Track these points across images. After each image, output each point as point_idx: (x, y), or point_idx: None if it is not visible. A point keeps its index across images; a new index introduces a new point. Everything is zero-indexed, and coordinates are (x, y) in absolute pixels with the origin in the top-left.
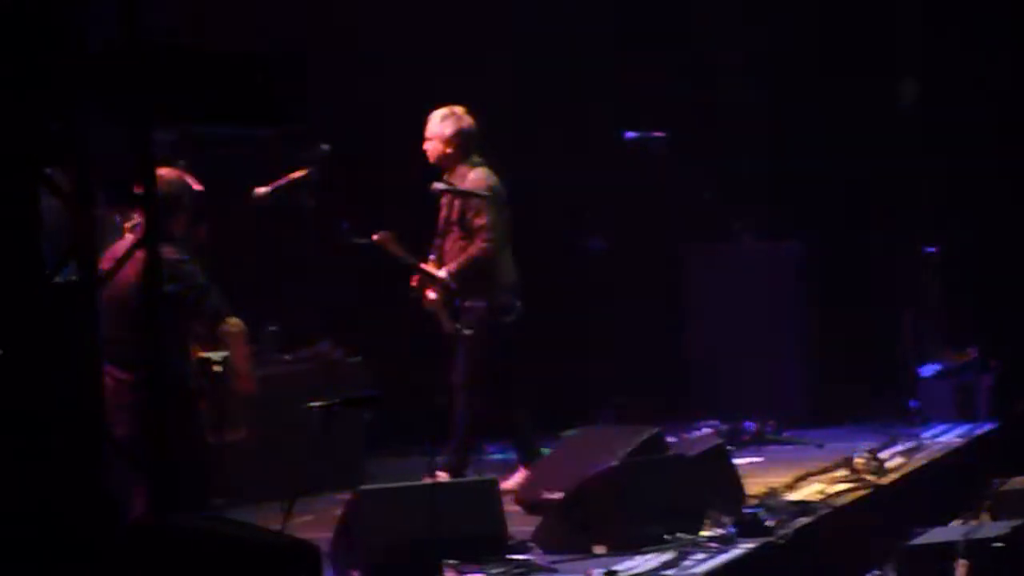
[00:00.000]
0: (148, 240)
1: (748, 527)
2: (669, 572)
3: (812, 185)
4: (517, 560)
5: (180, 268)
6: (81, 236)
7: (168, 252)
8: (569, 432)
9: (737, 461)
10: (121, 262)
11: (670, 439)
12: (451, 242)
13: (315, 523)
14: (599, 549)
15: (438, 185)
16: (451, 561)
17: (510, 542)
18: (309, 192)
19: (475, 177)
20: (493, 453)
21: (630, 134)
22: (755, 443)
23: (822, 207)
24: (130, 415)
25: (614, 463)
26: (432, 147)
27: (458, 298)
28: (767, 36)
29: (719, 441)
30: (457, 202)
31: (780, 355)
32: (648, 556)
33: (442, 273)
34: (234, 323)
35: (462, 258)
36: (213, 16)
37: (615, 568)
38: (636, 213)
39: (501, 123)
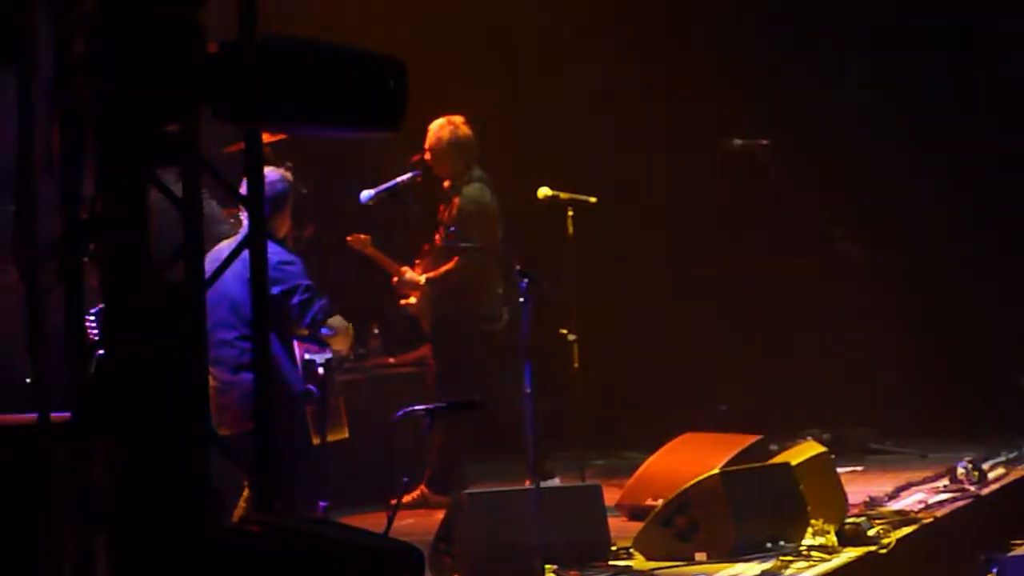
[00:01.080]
0: (254, 240)
1: (850, 536)
2: None
3: (904, 200)
4: (618, 566)
5: (285, 269)
6: (189, 237)
7: (272, 253)
8: (673, 438)
9: (840, 470)
10: (227, 263)
11: (773, 447)
12: (437, 247)
13: (417, 526)
14: (700, 556)
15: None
16: (553, 566)
17: (612, 547)
18: (414, 195)
19: (468, 192)
20: (595, 459)
21: (736, 141)
22: (858, 452)
23: (924, 219)
24: (232, 416)
25: (716, 470)
26: (430, 157)
27: (436, 305)
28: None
29: (822, 449)
30: (446, 209)
31: (884, 364)
32: (750, 564)
33: (420, 279)
34: (339, 324)
35: (442, 268)
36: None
37: (716, 575)
38: (740, 220)
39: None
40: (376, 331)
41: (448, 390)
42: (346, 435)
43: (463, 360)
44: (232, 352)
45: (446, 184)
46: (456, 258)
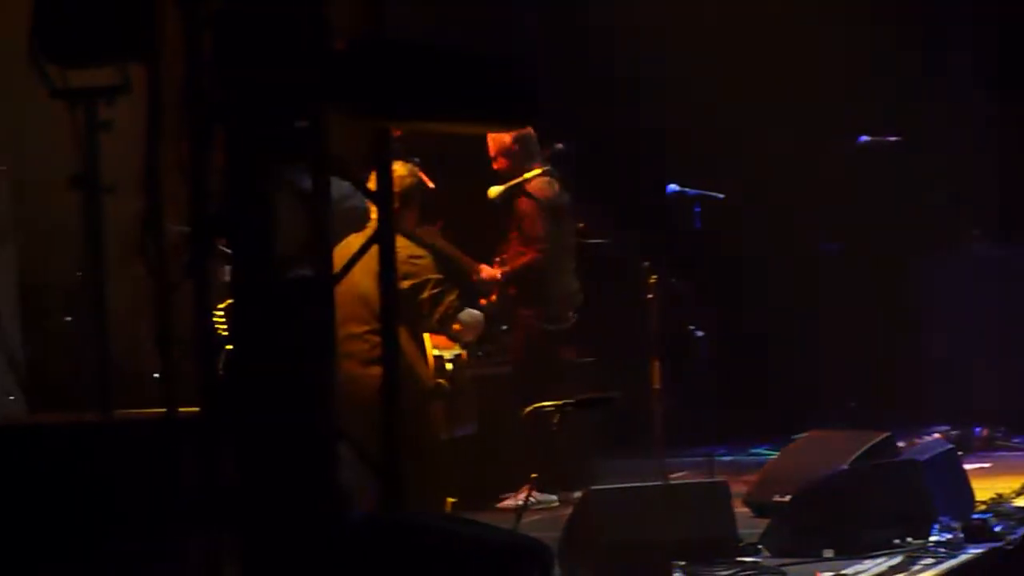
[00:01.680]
0: (383, 235)
1: (976, 532)
2: None
3: None
4: (746, 562)
5: (415, 263)
6: (318, 233)
7: (403, 247)
8: (800, 435)
9: (966, 466)
10: (356, 258)
11: (900, 443)
12: (511, 246)
13: (545, 522)
14: (828, 553)
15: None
16: (680, 562)
17: (739, 544)
18: (563, 192)
19: (536, 185)
20: (723, 455)
21: (863, 138)
22: (985, 448)
23: None
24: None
25: (844, 467)
26: (496, 159)
27: (511, 303)
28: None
29: (949, 446)
30: (515, 208)
31: (1012, 361)
32: (877, 560)
33: (497, 275)
34: (469, 318)
35: (516, 264)
36: (453, 15)
37: (844, 572)
38: (870, 216)
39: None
40: (504, 327)
41: (518, 390)
42: (474, 430)
43: (527, 360)
44: (362, 346)
45: (512, 182)
46: (524, 256)
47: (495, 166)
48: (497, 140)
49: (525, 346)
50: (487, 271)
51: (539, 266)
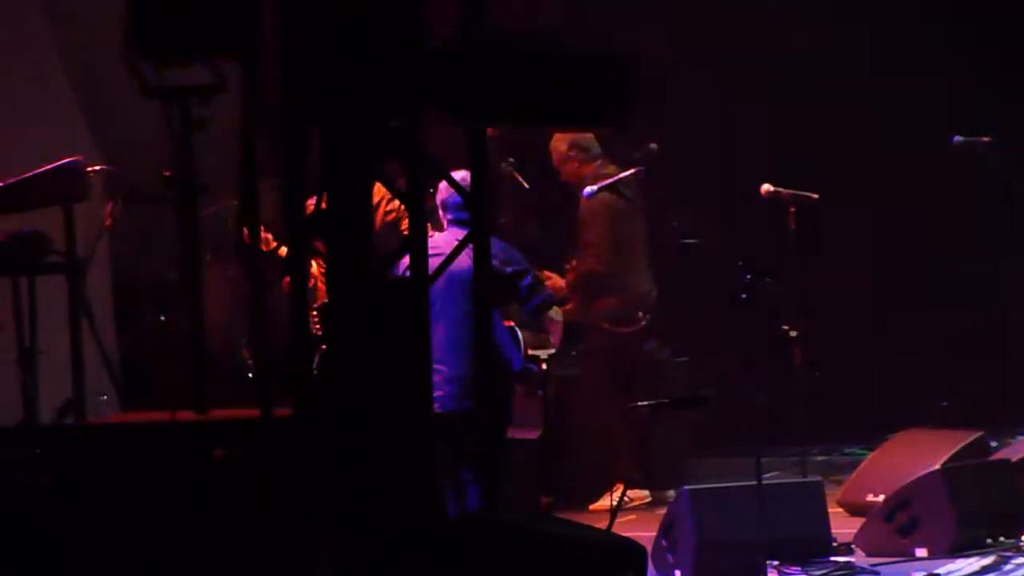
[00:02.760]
0: (477, 233)
1: None
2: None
3: None
4: (839, 562)
5: (512, 253)
6: (414, 233)
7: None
8: (893, 435)
9: None
10: (452, 257)
11: (992, 443)
12: (577, 252)
13: (639, 522)
14: (921, 552)
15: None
16: (774, 561)
17: (833, 543)
18: (638, 190)
19: (587, 193)
20: (816, 455)
21: (957, 138)
22: None
23: None
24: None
25: (937, 467)
26: (560, 171)
27: (581, 309)
28: None
29: None
30: (577, 214)
31: None
32: (970, 560)
33: (561, 282)
34: (558, 316)
35: (577, 271)
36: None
37: (936, 571)
38: (965, 215)
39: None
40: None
41: (600, 393)
42: (537, 435)
43: (602, 364)
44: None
45: (605, 182)
46: (586, 256)
47: (561, 179)
48: (555, 151)
49: (600, 349)
50: (552, 280)
51: (597, 271)
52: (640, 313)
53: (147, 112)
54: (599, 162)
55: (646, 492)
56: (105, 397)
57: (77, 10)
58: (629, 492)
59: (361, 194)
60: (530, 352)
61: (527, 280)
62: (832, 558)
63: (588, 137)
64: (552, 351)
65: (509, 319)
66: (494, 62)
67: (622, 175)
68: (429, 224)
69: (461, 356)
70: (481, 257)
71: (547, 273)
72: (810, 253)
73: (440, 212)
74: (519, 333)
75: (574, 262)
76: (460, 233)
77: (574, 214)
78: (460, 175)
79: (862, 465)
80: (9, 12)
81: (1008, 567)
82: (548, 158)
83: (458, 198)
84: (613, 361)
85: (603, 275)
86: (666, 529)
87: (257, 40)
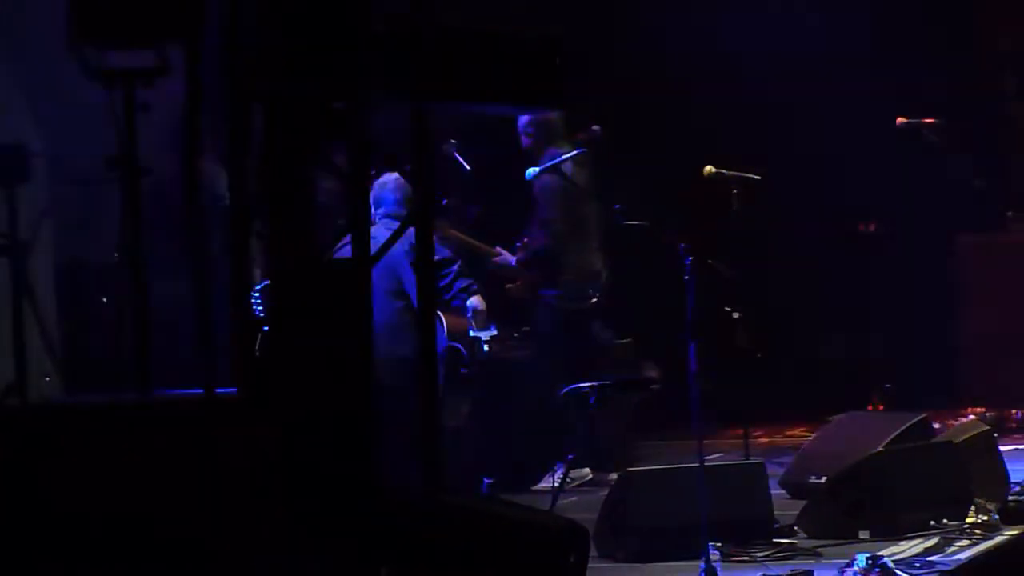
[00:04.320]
0: (421, 217)
1: (1012, 514)
2: (933, 558)
3: None
4: (782, 543)
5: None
6: (356, 214)
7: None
8: (836, 416)
9: (1003, 448)
10: (393, 239)
11: (935, 425)
12: (530, 230)
13: (581, 504)
14: (863, 534)
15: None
16: (716, 543)
17: (775, 525)
18: (586, 171)
19: (543, 169)
20: (759, 437)
21: (900, 120)
22: (1021, 430)
23: None
24: None
25: (880, 448)
26: (520, 138)
27: (531, 285)
28: None
29: (985, 428)
30: (532, 192)
31: None
32: (912, 541)
33: (511, 260)
34: (478, 303)
35: (530, 247)
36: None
37: (879, 553)
38: (909, 199)
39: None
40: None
41: (546, 371)
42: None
43: (551, 341)
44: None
45: (548, 165)
46: (541, 232)
47: (522, 144)
48: (521, 119)
49: (548, 327)
50: (502, 257)
51: (551, 247)
52: (590, 291)
53: (90, 94)
54: (558, 143)
55: (587, 470)
56: (49, 379)
57: None
58: (571, 473)
59: (304, 176)
60: (472, 333)
61: (447, 269)
62: (775, 539)
63: (552, 117)
64: (494, 333)
65: None
66: (436, 43)
67: (563, 156)
68: None
69: (385, 334)
70: (425, 238)
71: (497, 249)
72: (753, 234)
73: (372, 208)
74: (441, 316)
75: (525, 240)
76: (393, 225)
77: (520, 193)
78: (392, 176)
79: (804, 447)
80: None
81: (951, 549)
82: (490, 138)
83: (392, 195)
84: (561, 341)
85: (556, 252)
86: (608, 511)
87: (201, 23)
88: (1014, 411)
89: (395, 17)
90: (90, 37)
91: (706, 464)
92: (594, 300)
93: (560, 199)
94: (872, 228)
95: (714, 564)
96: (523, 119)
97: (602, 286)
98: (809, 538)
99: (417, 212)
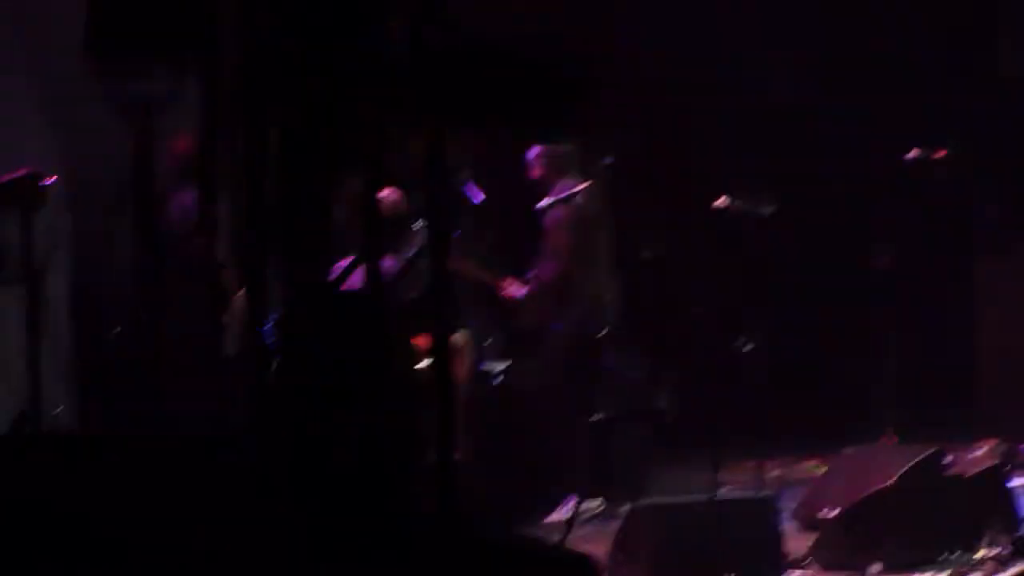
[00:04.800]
0: (436, 246)
1: (1023, 548)
2: None
3: None
4: None
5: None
6: (369, 244)
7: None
8: (848, 449)
9: (1014, 482)
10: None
11: (947, 458)
12: (540, 260)
13: (593, 536)
14: (874, 567)
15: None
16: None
17: (787, 559)
18: (598, 202)
19: (551, 202)
20: (772, 469)
21: (912, 152)
22: None
23: None
24: None
25: (892, 482)
26: (530, 169)
27: (541, 315)
28: None
29: (995, 462)
30: (544, 222)
31: None
32: (924, 575)
33: (521, 291)
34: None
35: (540, 279)
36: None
37: None
38: (921, 229)
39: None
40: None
41: (559, 402)
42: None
43: (562, 372)
44: None
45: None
46: (548, 262)
47: (533, 175)
48: (533, 149)
49: (559, 357)
50: (510, 288)
51: (561, 278)
52: (602, 321)
53: (108, 120)
54: (570, 175)
55: (600, 502)
56: (61, 408)
57: (39, 12)
58: (583, 504)
59: (320, 203)
60: (482, 367)
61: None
62: (786, 573)
63: (565, 148)
64: (508, 363)
65: None
66: (455, 71)
67: (576, 188)
68: None
69: None
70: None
71: (509, 280)
72: (765, 266)
73: None
74: None
75: (536, 271)
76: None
77: (532, 224)
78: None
79: (817, 480)
80: None
81: None
82: (504, 168)
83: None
84: (572, 370)
85: (566, 283)
86: (620, 544)
87: (218, 48)
88: None
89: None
90: (107, 62)
91: (718, 497)
92: (606, 331)
93: (569, 229)
94: (886, 259)
95: None
96: (534, 150)
97: (614, 316)
98: (821, 571)
99: (431, 242)
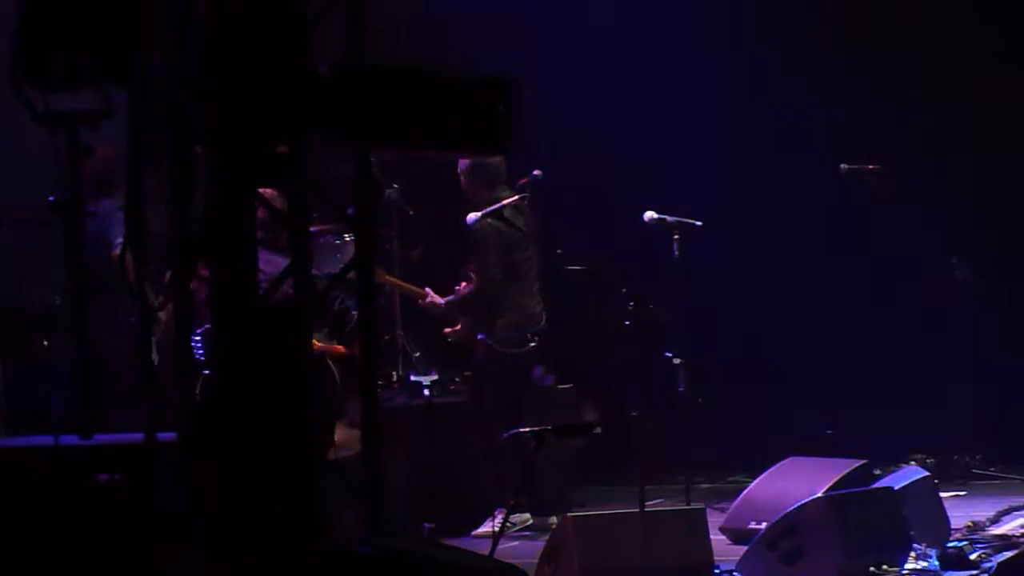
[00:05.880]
0: (362, 260)
1: (952, 560)
2: None
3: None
4: None
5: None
6: (298, 256)
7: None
8: (777, 462)
9: (943, 494)
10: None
11: (876, 471)
12: (468, 276)
13: (522, 548)
14: None
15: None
16: None
17: (716, 571)
18: (523, 217)
19: (480, 216)
20: (700, 482)
21: (844, 166)
22: (961, 476)
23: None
24: None
25: (820, 494)
26: (461, 180)
27: (468, 331)
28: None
29: (925, 474)
30: (471, 236)
31: (987, 388)
32: None
33: (440, 302)
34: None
35: (462, 293)
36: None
37: None
38: (848, 243)
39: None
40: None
41: (485, 416)
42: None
43: (489, 385)
44: None
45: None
46: (476, 277)
47: (462, 187)
48: (461, 162)
49: (487, 371)
50: (430, 298)
51: (487, 292)
52: (529, 335)
53: (32, 136)
54: (499, 188)
55: (528, 516)
56: None
57: None
58: (512, 517)
59: (246, 217)
60: (412, 378)
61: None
62: None
63: (492, 162)
64: (435, 377)
65: None
66: (381, 86)
67: (504, 202)
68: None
69: None
70: (367, 283)
71: (426, 291)
72: (693, 279)
73: None
74: None
75: (463, 284)
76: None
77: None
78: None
79: (745, 492)
80: None
81: None
82: (434, 183)
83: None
84: (500, 384)
85: (494, 297)
86: (549, 556)
87: (145, 66)
88: (954, 457)
89: (340, 61)
90: (34, 78)
91: (647, 509)
92: (532, 344)
93: (494, 246)
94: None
95: None
96: (463, 162)
97: (541, 330)
98: None
99: (359, 256)
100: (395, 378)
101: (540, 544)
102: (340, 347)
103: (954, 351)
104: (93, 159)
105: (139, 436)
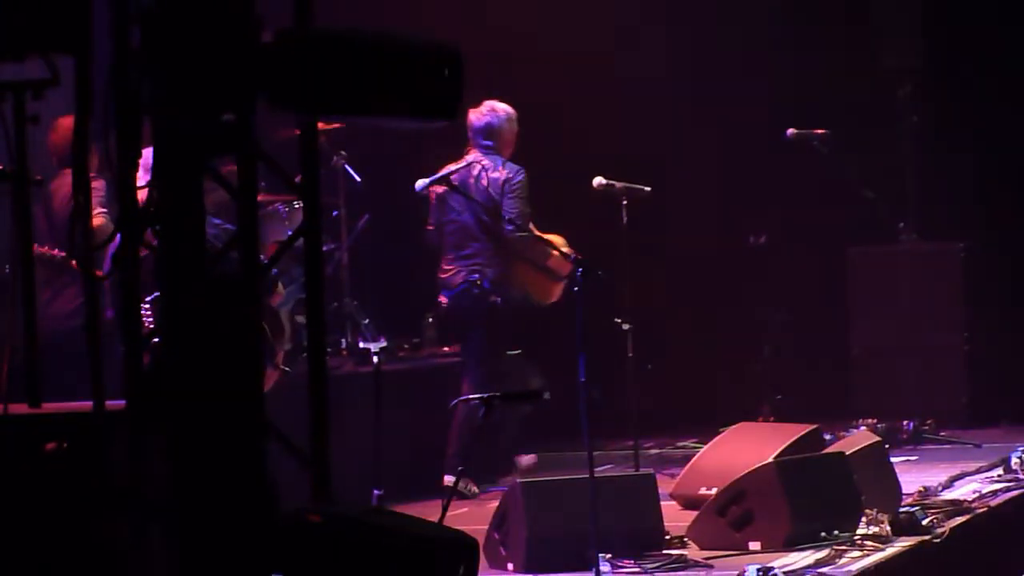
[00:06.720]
0: (310, 231)
1: (904, 526)
2: (824, 569)
3: (974, 184)
4: (673, 555)
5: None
6: (244, 226)
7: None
8: (727, 428)
9: (894, 459)
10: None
11: (827, 436)
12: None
13: (471, 515)
14: (754, 546)
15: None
16: (607, 554)
17: (666, 537)
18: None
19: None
20: (649, 448)
21: (790, 131)
22: (912, 442)
23: (984, 206)
24: None
25: (770, 460)
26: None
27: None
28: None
29: (876, 439)
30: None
31: (939, 355)
32: (804, 553)
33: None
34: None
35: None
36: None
37: (770, 565)
38: (799, 211)
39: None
40: (430, 320)
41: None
42: None
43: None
44: None
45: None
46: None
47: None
48: (500, 113)
49: (438, 337)
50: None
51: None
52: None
53: None
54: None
55: (476, 480)
56: None
57: None
58: (460, 484)
59: (193, 187)
60: (360, 345)
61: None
62: (665, 551)
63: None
64: (384, 344)
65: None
66: (326, 54)
67: (451, 167)
68: None
69: None
70: (315, 255)
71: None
72: (642, 246)
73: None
74: None
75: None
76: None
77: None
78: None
79: (695, 458)
80: None
81: (843, 560)
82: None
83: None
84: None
85: (441, 263)
86: (498, 522)
87: (90, 34)
88: (905, 422)
89: (286, 27)
90: None
91: (596, 475)
92: (487, 308)
93: (445, 211)
94: (762, 240)
95: (604, 575)
96: (503, 112)
97: (494, 296)
98: (700, 549)
99: (306, 225)
100: (344, 345)
101: (489, 511)
102: None
103: (904, 316)
104: (56, 132)
105: (88, 405)
